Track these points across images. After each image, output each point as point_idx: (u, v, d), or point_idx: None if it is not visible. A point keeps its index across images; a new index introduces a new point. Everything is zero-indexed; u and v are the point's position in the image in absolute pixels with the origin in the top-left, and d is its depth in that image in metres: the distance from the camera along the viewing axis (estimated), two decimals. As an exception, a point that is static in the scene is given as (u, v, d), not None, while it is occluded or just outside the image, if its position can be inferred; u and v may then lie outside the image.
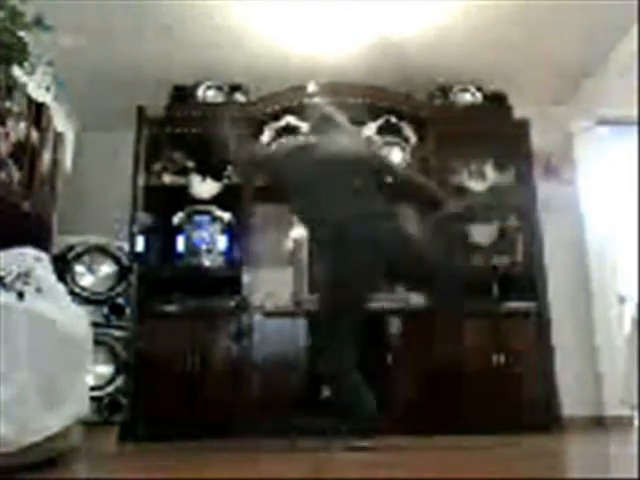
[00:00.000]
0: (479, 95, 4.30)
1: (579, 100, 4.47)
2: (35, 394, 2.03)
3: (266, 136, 4.22)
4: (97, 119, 4.35)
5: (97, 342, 2.89)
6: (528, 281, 3.96)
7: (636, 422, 3.86)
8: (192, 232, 4.05)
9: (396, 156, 4.22)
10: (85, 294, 3.32)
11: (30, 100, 2.77)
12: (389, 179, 3.07)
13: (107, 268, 3.45)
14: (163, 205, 4.11)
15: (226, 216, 4.10)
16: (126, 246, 3.56)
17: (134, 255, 3.64)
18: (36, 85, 2.76)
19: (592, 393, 4.07)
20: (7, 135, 2.52)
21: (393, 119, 4.26)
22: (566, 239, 4.34)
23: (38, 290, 2.23)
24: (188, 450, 2.89)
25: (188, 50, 3.93)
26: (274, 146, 3.27)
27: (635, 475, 1.64)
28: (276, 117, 4.21)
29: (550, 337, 3.86)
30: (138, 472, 2.23)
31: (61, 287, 2.50)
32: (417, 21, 3.68)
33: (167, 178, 4.15)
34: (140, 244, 3.80)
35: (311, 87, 4.15)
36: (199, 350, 3.73)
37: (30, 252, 2.41)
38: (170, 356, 3.70)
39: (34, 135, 2.85)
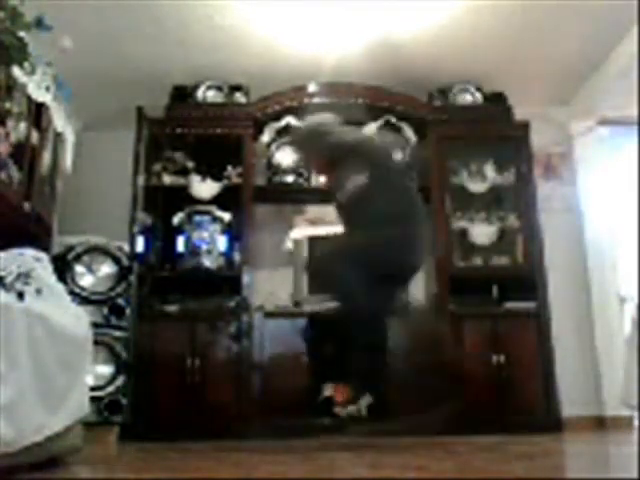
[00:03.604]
0: (479, 95, 4.31)
1: (579, 100, 4.47)
2: (35, 394, 2.03)
3: (266, 136, 4.23)
4: (97, 119, 4.37)
5: (97, 342, 2.88)
6: (528, 281, 3.96)
7: (636, 422, 3.86)
8: (192, 232, 4.05)
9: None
10: (85, 294, 3.31)
11: (30, 100, 2.77)
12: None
13: (107, 268, 3.44)
14: (163, 205, 4.11)
15: (226, 216, 4.10)
16: (126, 246, 3.55)
17: (134, 255, 3.64)
18: (36, 85, 2.75)
19: (592, 393, 4.07)
20: (7, 135, 2.52)
21: (393, 119, 4.26)
22: (566, 239, 4.34)
23: (38, 290, 2.23)
24: (188, 450, 2.89)
25: (188, 50, 3.93)
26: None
27: (635, 475, 1.64)
28: (276, 117, 4.21)
29: (550, 337, 3.86)
30: (138, 472, 2.22)
31: (61, 287, 2.49)
32: (417, 21, 3.68)
33: (167, 178, 4.15)
34: (140, 244, 3.80)
35: (311, 87, 4.16)
36: (199, 350, 3.73)
37: (30, 252, 2.41)
38: (170, 356, 3.70)
39: (34, 135, 2.85)
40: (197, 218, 4.08)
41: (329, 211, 4.06)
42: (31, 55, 2.58)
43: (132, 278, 3.49)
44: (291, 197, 4.32)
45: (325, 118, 3.18)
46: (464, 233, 4.20)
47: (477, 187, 4.21)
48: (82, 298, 3.26)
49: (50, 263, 2.53)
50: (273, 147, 4.22)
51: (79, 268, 3.36)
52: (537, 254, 4.01)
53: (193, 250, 4.03)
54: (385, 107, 4.24)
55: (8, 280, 2.15)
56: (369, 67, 4.05)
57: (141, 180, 3.94)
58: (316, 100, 4.17)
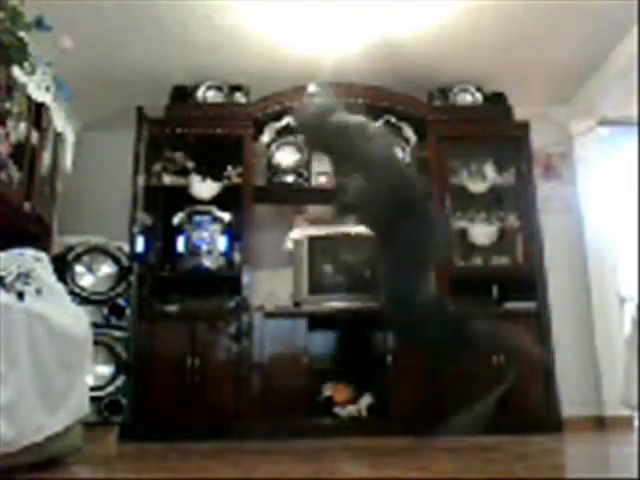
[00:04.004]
0: (479, 95, 4.31)
1: (579, 100, 4.47)
2: (35, 394, 2.03)
3: (266, 136, 4.22)
4: (97, 119, 4.37)
5: (97, 342, 2.89)
6: (528, 281, 3.96)
7: (636, 422, 3.86)
8: (192, 232, 4.05)
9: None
10: (85, 294, 3.31)
11: (30, 100, 2.77)
12: None
13: (107, 268, 3.44)
14: (163, 205, 4.11)
15: (226, 216, 4.10)
16: (126, 246, 3.55)
17: (134, 255, 3.64)
18: (36, 85, 2.75)
19: (592, 393, 4.07)
20: (7, 135, 2.52)
21: (393, 119, 4.26)
22: (566, 239, 4.34)
23: (38, 290, 2.23)
24: (188, 450, 2.89)
25: (188, 50, 3.93)
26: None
27: (635, 475, 1.64)
28: (276, 117, 4.21)
29: (550, 337, 3.86)
30: (138, 472, 2.23)
31: (61, 287, 2.50)
32: (417, 21, 3.68)
33: (167, 178, 4.15)
34: (140, 244, 3.80)
35: (311, 87, 4.16)
36: (199, 350, 3.73)
37: (30, 252, 2.41)
38: (170, 356, 3.70)
39: (34, 135, 2.85)
40: (197, 218, 4.08)
41: (329, 211, 4.09)
42: (31, 55, 2.58)
43: (132, 278, 3.49)
44: (291, 197, 4.32)
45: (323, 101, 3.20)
46: (464, 233, 4.19)
47: (477, 187, 4.20)
48: (82, 298, 3.26)
49: (50, 263, 2.53)
50: (273, 147, 4.22)
51: (79, 268, 3.36)
52: (537, 254, 4.01)
53: (193, 250, 4.03)
54: (385, 107, 4.23)
55: (8, 280, 2.16)
56: (369, 67, 4.05)
57: (141, 180, 3.93)
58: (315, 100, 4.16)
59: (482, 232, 4.16)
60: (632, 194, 4.23)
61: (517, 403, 3.71)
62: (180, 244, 4.06)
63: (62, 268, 3.20)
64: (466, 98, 4.30)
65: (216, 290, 3.89)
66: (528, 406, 3.73)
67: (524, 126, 4.20)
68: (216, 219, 4.09)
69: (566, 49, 3.96)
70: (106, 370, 3.30)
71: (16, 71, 2.57)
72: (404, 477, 1.88)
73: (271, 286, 4.10)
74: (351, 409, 3.77)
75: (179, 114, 4.16)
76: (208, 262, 4.00)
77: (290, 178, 4.19)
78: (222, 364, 3.73)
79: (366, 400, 3.80)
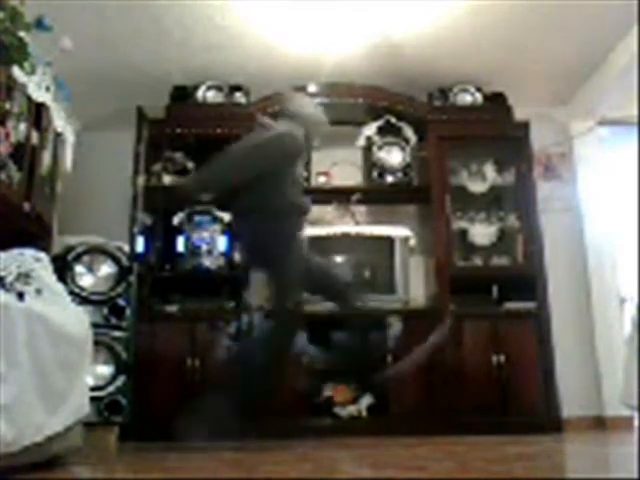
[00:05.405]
0: (479, 96, 4.31)
1: (579, 100, 4.47)
2: (35, 394, 2.03)
3: (266, 136, 4.21)
4: (97, 119, 4.37)
5: (97, 342, 2.88)
6: (528, 281, 3.96)
7: (636, 422, 3.86)
8: (192, 232, 4.05)
9: (396, 156, 4.23)
10: (85, 294, 3.30)
11: (30, 100, 2.77)
12: None
13: (107, 268, 3.43)
14: (163, 205, 4.11)
15: (226, 216, 4.09)
16: (126, 246, 3.55)
17: (134, 255, 3.63)
18: (36, 85, 2.75)
19: (592, 393, 4.07)
20: (7, 135, 2.52)
21: (393, 119, 4.26)
22: (566, 239, 4.34)
23: (38, 291, 2.23)
24: (188, 450, 2.89)
25: (188, 51, 3.93)
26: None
27: (635, 475, 1.64)
28: (276, 117, 4.20)
29: (550, 337, 3.86)
30: (138, 472, 2.23)
31: (61, 287, 2.49)
32: (417, 22, 3.68)
33: (167, 178, 4.15)
34: (140, 244, 3.80)
35: (311, 87, 4.16)
36: (199, 350, 3.73)
37: (30, 252, 2.41)
38: (170, 356, 3.70)
39: (34, 135, 2.85)
40: (197, 218, 4.08)
41: (329, 211, 4.09)
42: (31, 55, 2.58)
43: (132, 278, 3.48)
44: (291, 197, 4.31)
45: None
46: (464, 233, 4.19)
47: (477, 187, 4.21)
48: (82, 298, 3.25)
49: (50, 263, 2.53)
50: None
51: (79, 268, 3.35)
52: (537, 254, 4.01)
53: (193, 250, 4.03)
54: (385, 107, 4.24)
55: (8, 280, 2.16)
56: (369, 67, 4.05)
57: (141, 180, 3.93)
58: (316, 100, 4.16)
59: (482, 232, 4.17)
60: (632, 194, 4.23)
61: (517, 403, 3.73)
62: (180, 244, 4.06)
63: (62, 268, 3.20)
64: (466, 98, 4.30)
65: (216, 290, 3.89)
66: (528, 406, 3.73)
67: (524, 126, 4.20)
68: (216, 219, 4.09)
69: (566, 49, 3.96)
70: (106, 370, 3.29)
71: (16, 71, 2.56)
72: (403, 477, 1.88)
73: (271, 286, 4.09)
74: (351, 409, 3.77)
75: (179, 114, 4.16)
76: (208, 262, 4.00)
77: (290, 178, 4.18)
78: (222, 364, 3.73)
79: (366, 400, 3.80)
